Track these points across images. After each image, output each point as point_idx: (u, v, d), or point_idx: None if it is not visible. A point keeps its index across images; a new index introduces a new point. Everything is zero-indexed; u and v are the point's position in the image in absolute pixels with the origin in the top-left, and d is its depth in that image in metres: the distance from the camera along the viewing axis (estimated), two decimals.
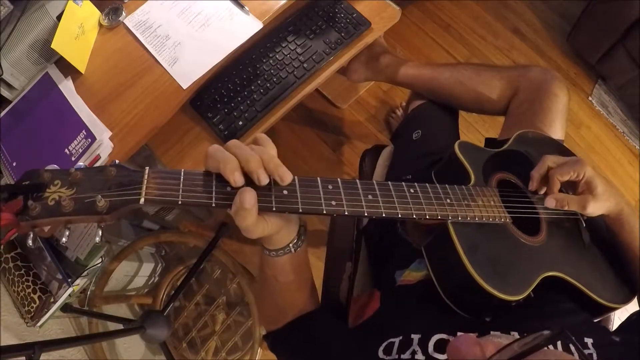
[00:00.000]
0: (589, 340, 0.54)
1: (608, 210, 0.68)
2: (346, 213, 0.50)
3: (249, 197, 0.44)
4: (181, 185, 0.45)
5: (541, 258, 0.64)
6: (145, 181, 0.44)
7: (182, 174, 0.46)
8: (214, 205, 0.45)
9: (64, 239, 0.43)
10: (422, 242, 0.62)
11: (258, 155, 0.47)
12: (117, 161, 0.46)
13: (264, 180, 0.46)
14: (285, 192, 0.48)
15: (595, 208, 0.66)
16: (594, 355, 0.52)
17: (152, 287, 1.52)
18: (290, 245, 0.57)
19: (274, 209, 0.47)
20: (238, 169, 0.46)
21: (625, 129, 1.88)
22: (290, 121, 1.77)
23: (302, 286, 0.64)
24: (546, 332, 0.33)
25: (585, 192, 0.66)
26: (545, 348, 0.33)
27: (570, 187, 0.69)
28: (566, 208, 0.66)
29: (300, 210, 0.48)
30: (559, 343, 0.50)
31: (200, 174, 0.47)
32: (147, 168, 0.45)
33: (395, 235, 0.86)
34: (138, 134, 0.85)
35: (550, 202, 0.65)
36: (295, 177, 0.50)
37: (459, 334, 0.55)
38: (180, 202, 0.44)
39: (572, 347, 0.49)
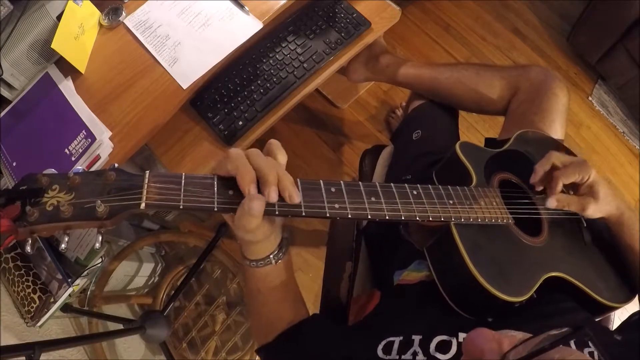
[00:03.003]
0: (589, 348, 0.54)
1: (608, 213, 0.68)
2: (349, 216, 0.50)
3: (258, 205, 0.44)
4: (182, 189, 0.44)
5: (543, 259, 0.64)
6: (146, 185, 0.43)
7: (183, 177, 0.45)
8: (216, 209, 0.45)
9: (63, 245, 0.43)
10: (424, 244, 0.62)
11: (275, 171, 0.47)
12: (116, 165, 0.45)
13: (274, 198, 0.46)
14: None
15: (595, 211, 0.66)
16: (595, 354, 0.52)
17: (152, 287, 1.51)
18: (271, 256, 0.57)
19: (277, 212, 0.47)
20: (255, 181, 0.46)
21: (625, 129, 1.88)
22: (290, 121, 1.77)
23: (286, 298, 0.64)
24: (565, 329, 0.33)
25: (586, 195, 0.66)
26: (561, 345, 0.33)
27: (571, 187, 0.69)
28: (567, 209, 0.66)
29: (304, 214, 0.48)
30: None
31: (201, 177, 0.46)
32: (147, 172, 0.44)
33: (395, 236, 0.86)
34: (138, 134, 0.85)
35: (551, 203, 0.65)
36: (298, 180, 0.49)
37: (460, 334, 0.55)
38: (181, 207, 0.43)
39: (590, 345, 0.49)
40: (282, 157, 0.50)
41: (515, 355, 0.34)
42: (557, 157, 0.67)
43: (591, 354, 0.49)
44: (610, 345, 0.56)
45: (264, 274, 0.59)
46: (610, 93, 1.93)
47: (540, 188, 0.68)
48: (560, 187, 0.66)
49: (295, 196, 0.47)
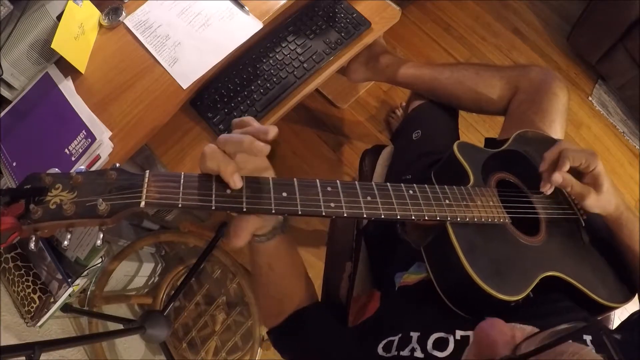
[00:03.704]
0: (587, 338, 0.54)
1: (606, 212, 0.68)
2: (345, 215, 0.50)
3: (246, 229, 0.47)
4: (181, 188, 0.45)
5: (540, 258, 0.64)
6: (146, 184, 0.44)
7: (182, 177, 0.46)
8: (213, 208, 0.45)
9: (65, 242, 0.44)
10: (421, 243, 0.62)
11: (248, 134, 0.48)
12: (117, 164, 0.46)
13: (265, 148, 0.47)
14: (284, 194, 0.49)
15: (594, 203, 0.66)
16: (593, 350, 0.52)
17: (152, 287, 1.52)
18: (278, 227, 0.59)
19: (273, 211, 0.47)
20: (236, 172, 0.46)
21: (625, 129, 1.88)
22: (290, 121, 1.77)
23: (295, 273, 0.66)
24: (578, 324, 0.33)
25: (590, 184, 0.66)
26: (570, 341, 0.33)
27: (576, 176, 0.67)
28: (568, 189, 0.66)
29: (300, 213, 0.48)
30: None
31: (199, 176, 0.47)
32: (147, 171, 0.45)
33: (395, 237, 0.86)
34: (138, 134, 0.85)
35: (556, 177, 0.64)
36: (295, 179, 0.50)
37: (457, 331, 0.55)
38: (180, 205, 0.44)
39: (606, 340, 0.49)
40: (251, 120, 0.51)
41: (527, 348, 0.34)
42: (565, 144, 0.67)
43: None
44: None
45: (274, 247, 0.60)
46: (610, 93, 1.93)
47: (543, 189, 0.67)
48: (567, 165, 0.64)
49: (270, 129, 0.48)
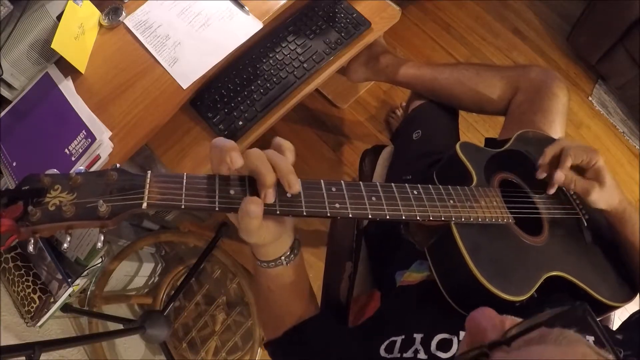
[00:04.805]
0: (590, 338, 0.54)
1: (610, 206, 0.67)
2: (350, 215, 0.50)
3: (254, 208, 0.44)
4: (184, 189, 0.44)
5: (544, 258, 0.64)
6: (148, 185, 0.43)
7: (185, 177, 0.45)
8: (217, 209, 0.45)
9: (65, 245, 0.42)
10: (425, 244, 0.62)
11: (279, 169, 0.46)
12: (118, 165, 0.45)
13: (271, 200, 0.46)
14: (289, 195, 0.48)
15: (598, 198, 0.66)
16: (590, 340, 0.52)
17: (152, 287, 1.51)
18: (282, 258, 0.56)
19: (277, 212, 0.47)
20: (273, 186, 0.46)
21: (625, 129, 1.88)
22: (290, 121, 1.77)
23: (298, 295, 0.63)
24: (563, 308, 0.33)
25: (592, 179, 0.66)
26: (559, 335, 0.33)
27: (578, 172, 0.67)
28: (572, 187, 0.66)
29: (305, 213, 0.48)
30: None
31: (202, 177, 0.46)
32: (149, 172, 0.44)
33: (395, 236, 0.86)
34: (138, 134, 0.85)
35: (559, 176, 0.64)
36: (299, 180, 0.49)
37: (461, 332, 0.55)
38: (183, 207, 0.43)
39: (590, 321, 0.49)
40: (291, 157, 0.49)
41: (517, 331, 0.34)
42: (566, 142, 0.67)
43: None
44: None
45: (275, 275, 0.58)
46: (610, 93, 1.93)
47: (544, 174, 0.67)
48: (569, 163, 0.65)
49: (294, 185, 0.47)
